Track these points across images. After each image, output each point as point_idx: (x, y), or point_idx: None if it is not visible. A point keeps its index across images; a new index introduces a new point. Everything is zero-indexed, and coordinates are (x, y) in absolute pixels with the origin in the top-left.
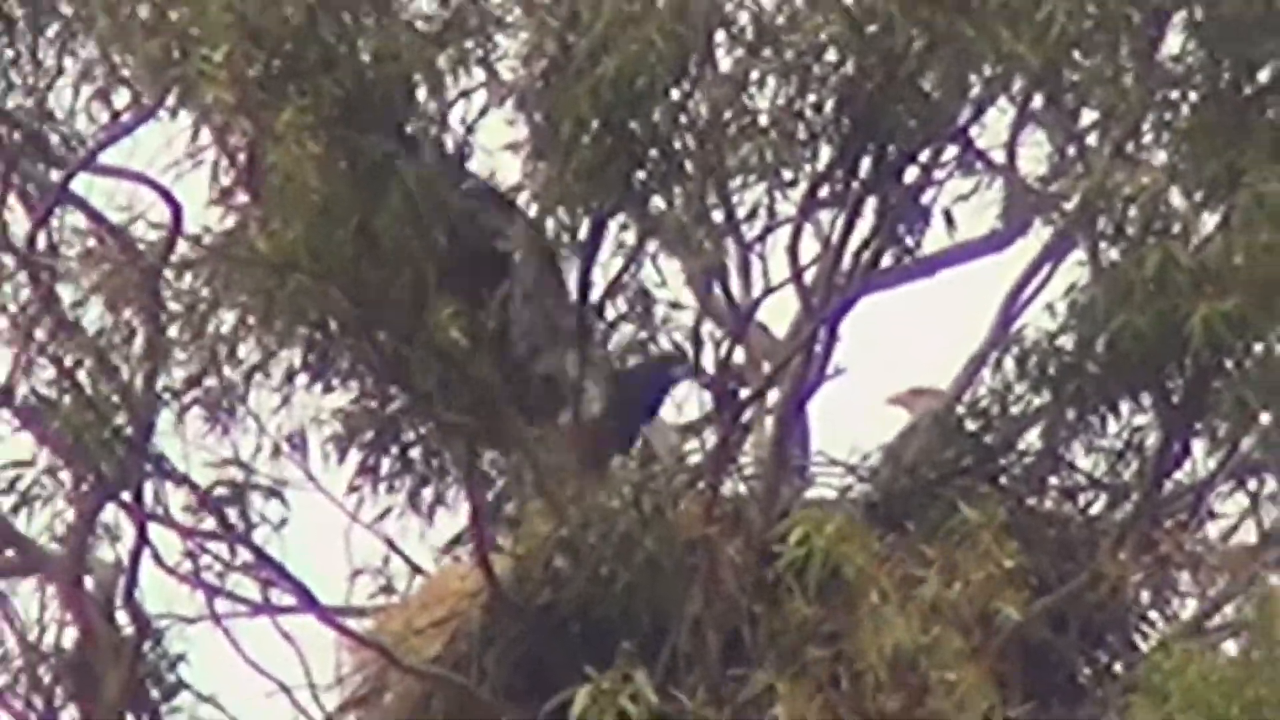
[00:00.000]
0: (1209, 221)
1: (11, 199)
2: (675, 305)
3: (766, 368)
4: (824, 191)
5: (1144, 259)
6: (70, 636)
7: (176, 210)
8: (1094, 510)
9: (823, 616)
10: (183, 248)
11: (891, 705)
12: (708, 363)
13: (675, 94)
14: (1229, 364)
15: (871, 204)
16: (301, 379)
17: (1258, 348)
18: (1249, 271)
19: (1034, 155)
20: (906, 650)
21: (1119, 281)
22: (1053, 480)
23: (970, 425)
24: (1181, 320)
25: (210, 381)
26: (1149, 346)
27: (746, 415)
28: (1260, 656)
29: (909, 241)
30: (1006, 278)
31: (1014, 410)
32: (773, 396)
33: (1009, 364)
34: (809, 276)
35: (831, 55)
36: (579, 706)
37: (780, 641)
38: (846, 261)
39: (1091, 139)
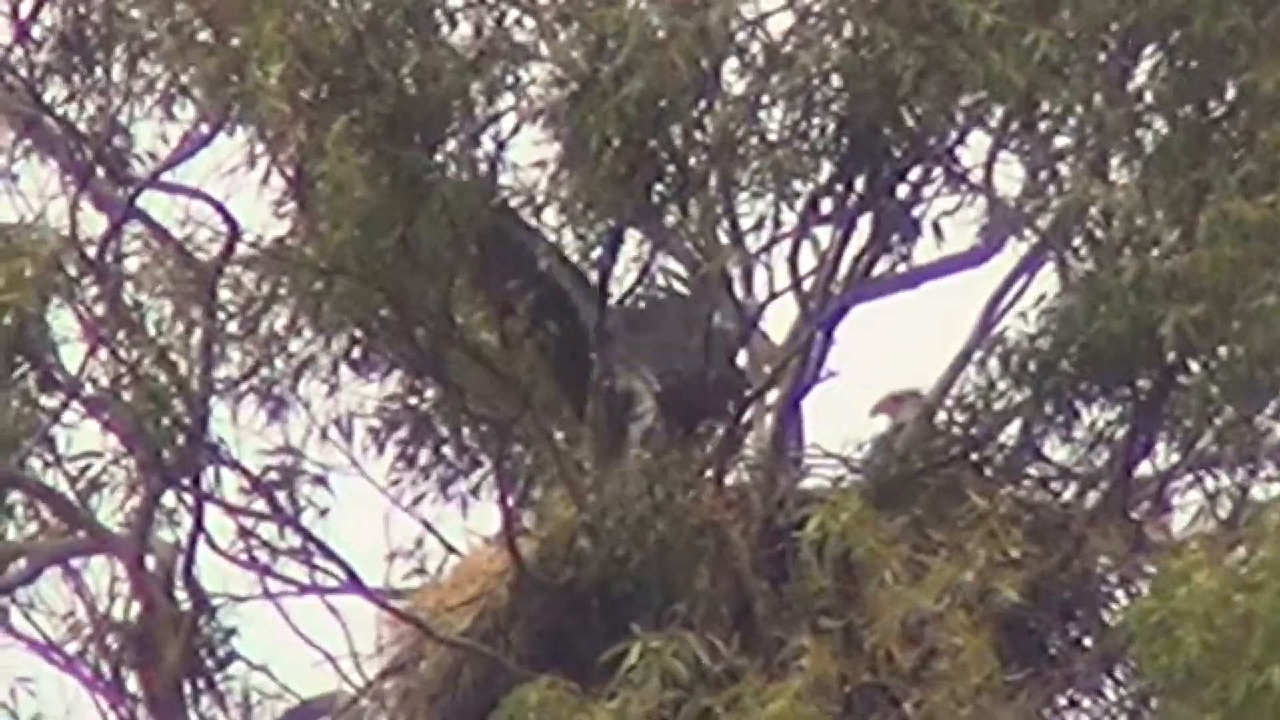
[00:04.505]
0: (1172, 236)
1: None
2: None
3: (767, 369)
4: (823, 206)
5: (1122, 268)
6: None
7: (232, 222)
8: (1066, 498)
9: (836, 589)
10: (239, 251)
11: (906, 665)
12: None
13: (693, 113)
14: (1194, 366)
15: (864, 220)
16: (345, 374)
17: (1221, 351)
18: (1214, 281)
19: (1010, 174)
20: (917, 619)
21: (1097, 289)
22: (1030, 470)
23: (958, 417)
24: (1155, 324)
25: (262, 374)
26: (1123, 347)
27: (749, 412)
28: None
29: (899, 252)
30: (983, 291)
31: (997, 405)
32: (772, 395)
33: (993, 362)
34: (807, 285)
35: (835, 80)
36: (630, 661)
37: (786, 613)
38: (841, 273)
39: (1065, 161)
